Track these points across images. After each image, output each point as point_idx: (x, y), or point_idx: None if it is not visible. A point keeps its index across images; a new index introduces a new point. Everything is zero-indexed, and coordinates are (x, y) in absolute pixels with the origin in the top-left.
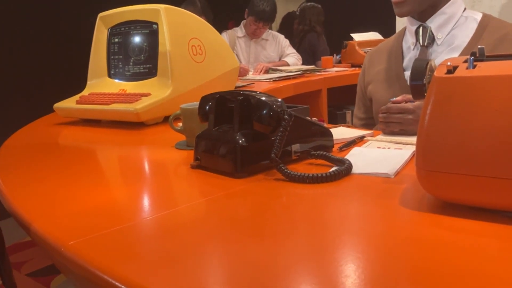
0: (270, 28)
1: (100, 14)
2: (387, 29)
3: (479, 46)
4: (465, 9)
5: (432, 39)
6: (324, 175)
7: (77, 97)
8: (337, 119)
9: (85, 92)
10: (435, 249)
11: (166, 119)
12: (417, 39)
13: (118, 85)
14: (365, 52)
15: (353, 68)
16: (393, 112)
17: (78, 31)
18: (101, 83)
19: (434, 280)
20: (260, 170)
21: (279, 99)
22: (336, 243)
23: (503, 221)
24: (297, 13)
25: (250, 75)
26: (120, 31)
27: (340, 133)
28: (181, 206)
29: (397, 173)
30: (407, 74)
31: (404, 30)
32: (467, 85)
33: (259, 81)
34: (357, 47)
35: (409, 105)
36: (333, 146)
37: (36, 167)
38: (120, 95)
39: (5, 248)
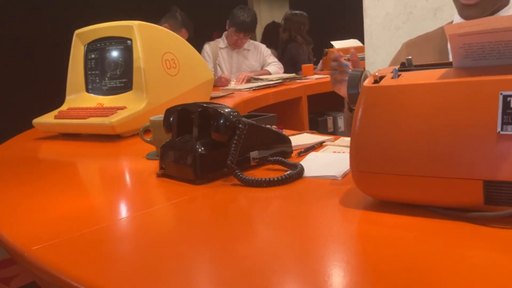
0: (253, 38)
1: (77, 31)
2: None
3: (407, 57)
4: None
5: None
6: (276, 179)
7: (55, 112)
8: (318, 126)
9: (63, 107)
10: (365, 243)
11: None
12: None
13: (95, 100)
14: (345, 59)
15: None
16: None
17: (55, 47)
18: (79, 98)
19: (364, 272)
20: (219, 177)
21: (235, 110)
22: (282, 241)
23: (430, 215)
24: (282, 21)
25: (232, 85)
26: (96, 47)
27: (302, 139)
28: (144, 210)
29: (345, 175)
30: None
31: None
32: (390, 94)
33: (239, 91)
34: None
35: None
36: (292, 152)
37: (13, 180)
38: (97, 109)
39: None
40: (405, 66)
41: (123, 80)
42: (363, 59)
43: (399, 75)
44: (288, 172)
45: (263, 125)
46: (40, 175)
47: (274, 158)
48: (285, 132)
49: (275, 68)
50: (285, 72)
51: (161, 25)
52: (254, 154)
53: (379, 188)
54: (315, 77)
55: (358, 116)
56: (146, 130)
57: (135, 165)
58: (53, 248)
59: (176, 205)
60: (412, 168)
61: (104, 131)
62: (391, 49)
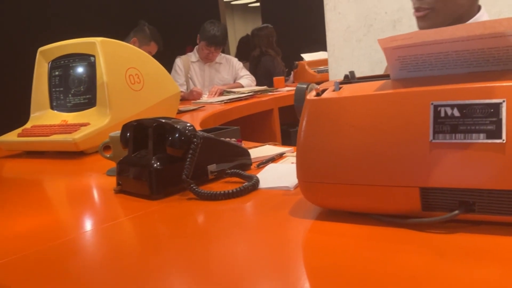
0: (227, 51)
1: (40, 49)
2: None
3: (349, 70)
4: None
5: None
6: (231, 191)
7: (19, 130)
8: (291, 137)
9: (27, 125)
10: (309, 251)
11: None
12: None
13: (60, 117)
14: (314, 71)
15: None
16: None
17: (19, 65)
18: (43, 115)
19: (306, 278)
20: (176, 191)
21: (191, 124)
22: (233, 251)
23: (373, 223)
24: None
25: (205, 98)
26: (60, 64)
27: (264, 151)
28: (99, 226)
29: (297, 186)
30: None
31: None
32: (331, 106)
33: (211, 104)
34: (307, 67)
35: None
36: (251, 164)
37: None
38: (61, 126)
39: None
40: (348, 79)
41: (87, 96)
42: (327, 71)
43: (340, 88)
44: (243, 184)
45: (221, 139)
46: (0, 194)
47: (232, 170)
48: (247, 144)
49: (247, 81)
50: (260, 84)
51: (129, 39)
52: (212, 167)
53: (324, 198)
54: (286, 89)
55: (302, 127)
56: (107, 146)
57: (95, 181)
58: (4, 267)
59: (132, 220)
60: (354, 177)
61: (68, 148)
62: (353, 60)
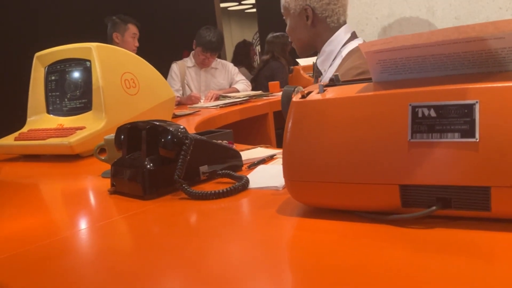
0: (223, 56)
1: (37, 54)
2: None
3: (334, 73)
4: (344, 44)
5: (319, 72)
6: (221, 191)
7: (16, 134)
8: None
9: (24, 129)
10: (294, 247)
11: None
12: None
13: (56, 121)
14: (309, 76)
15: None
16: None
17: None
18: (40, 119)
19: (290, 274)
20: (168, 192)
21: (183, 127)
22: (223, 248)
23: (356, 219)
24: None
25: (200, 103)
26: (56, 69)
27: (255, 153)
28: (94, 224)
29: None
30: None
31: None
32: (315, 107)
33: (207, 108)
34: (302, 72)
35: None
36: (242, 166)
37: None
38: (57, 130)
39: None
40: (333, 82)
41: (83, 100)
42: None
43: (324, 90)
44: (233, 185)
45: (212, 141)
46: None
47: (223, 171)
48: (239, 146)
49: (243, 86)
50: (262, 88)
51: (111, 38)
52: (204, 168)
53: (310, 196)
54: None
55: (288, 128)
56: (102, 149)
57: (90, 183)
58: None
59: (125, 219)
60: (337, 176)
61: (63, 151)
62: None
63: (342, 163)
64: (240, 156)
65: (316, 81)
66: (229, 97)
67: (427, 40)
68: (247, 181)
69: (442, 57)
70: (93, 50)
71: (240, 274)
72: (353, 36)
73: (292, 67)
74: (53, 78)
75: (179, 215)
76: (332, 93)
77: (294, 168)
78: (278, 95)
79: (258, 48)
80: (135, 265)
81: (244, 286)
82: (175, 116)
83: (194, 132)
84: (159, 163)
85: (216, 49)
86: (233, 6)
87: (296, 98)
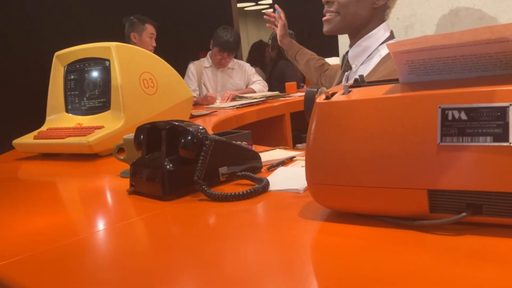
0: (239, 56)
1: (56, 53)
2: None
3: (359, 74)
4: (383, 42)
5: (349, 67)
6: (242, 193)
7: (35, 132)
8: (302, 142)
9: (43, 128)
10: (317, 252)
11: None
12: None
13: (75, 120)
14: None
15: None
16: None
17: (36, 69)
18: (59, 118)
19: (315, 278)
20: (187, 193)
21: (203, 127)
22: (244, 250)
23: (381, 225)
24: (269, 40)
25: (217, 103)
26: (75, 68)
27: (274, 155)
28: (112, 225)
29: (307, 189)
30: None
31: None
32: (340, 109)
33: (223, 109)
34: None
35: None
36: (261, 167)
37: None
38: (76, 129)
39: None
40: (357, 83)
41: (102, 100)
42: None
43: (349, 91)
44: (253, 187)
45: (232, 142)
46: (17, 194)
47: (242, 173)
48: (257, 148)
49: (259, 86)
50: (274, 89)
51: (129, 38)
52: (223, 169)
53: (333, 199)
54: (298, 95)
55: (311, 130)
56: (121, 149)
57: (109, 183)
58: (18, 264)
59: (144, 220)
60: (362, 180)
61: (82, 150)
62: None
63: (368, 166)
64: (259, 158)
65: (343, 76)
66: (246, 97)
67: (458, 40)
68: (267, 183)
69: (473, 58)
70: (113, 50)
71: (261, 278)
72: (392, 35)
73: None
74: (72, 77)
75: (198, 216)
76: (357, 94)
77: (317, 170)
78: (295, 96)
79: None
80: (154, 267)
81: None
82: (192, 117)
83: (211, 133)
84: (179, 163)
85: (233, 49)
86: (250, 6)
87: (320, 99)
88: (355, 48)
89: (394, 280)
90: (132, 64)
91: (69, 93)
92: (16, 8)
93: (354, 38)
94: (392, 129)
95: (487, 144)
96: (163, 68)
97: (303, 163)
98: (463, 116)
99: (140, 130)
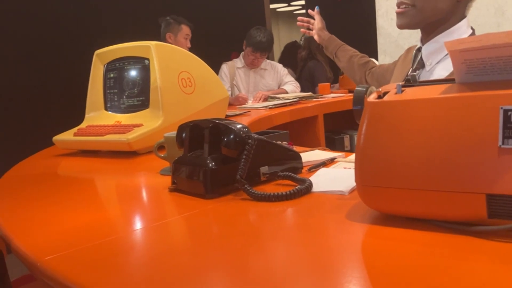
0: (271, 57)
1: (97, 51)
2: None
3: (411, 73)
4: (472, 33)
5: (422, 64)
6: (285, 193)
7: (75, 129)
8: (335, 144)
9: (83, 125)
10: (369, 256)
11: None
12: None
13: (113, 117)
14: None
15: (350, 94)
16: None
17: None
18: (98, 116)
19: (368, 284)
20: (229, 192)
21: (245, 126)
22: (291, 253)
23: (435, 229)
24: (301, 41)
25: (249, 104)
26: (115, 66)
27: (314, 156)
28: (154, 223)
29: (352, 191)
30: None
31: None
32: (393, 109)
33: (256, 109)
34: None
35: None
36: (302, 168)
37: (31, 194)
38: (115, 127)
39: (10, 283)
40: (410, 82)
41: (141, 98)
42: None
43: (402, 91)
44: (296, 187)
45: (274, 141)
46: (57, 190)
47: (284, 173)
48: (297, 148)
49: (292, 87)
50: (303, 89)
51: (165, 38)
52: (264, 169)
53: (384, 202)
54: (331, 96)
55: (362, 130)
56: (161, 147)
57: (149, 180)
58: (65, 258)
59: (186, 218)
60: (416, 182)
61: (121, 147)
62: None
63: (422, 168)
64: (300, 158)
65: (413, 72)
66: (278, 98)
67: None
68: (311, 184)
69: None
70: (152, 49)
71: (309, 281)
72: (473, 33)
73: None
74: (111, 75)
75: (240, 216)
76: (411, 93)
77: (367, 172)
78: (329, 97)
79: None
80: (194, 266)
81: None
82: (226, 116)
83: None
84: (221, 162)
85: (265, 49)
86: (282, 7)
87: (371, 98)
88: (431, 44)
89: (447, 287)
90: (171, 63)
91: (108, 91)
92: (57, 8)
93: (431, 34)
94: (449, 131)
95: None
96: (200, 67)
97: (345, 164)
98: None
99: (182, 128)
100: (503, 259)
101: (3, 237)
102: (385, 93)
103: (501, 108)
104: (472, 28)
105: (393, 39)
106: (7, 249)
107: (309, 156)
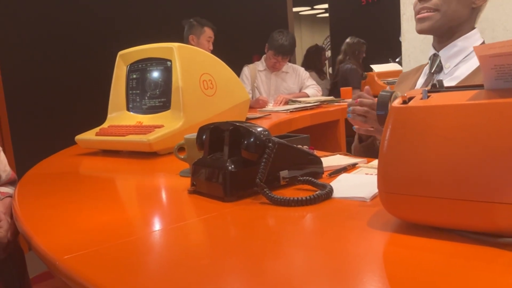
0: (290, 61)
1: (120, 52)
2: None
3: (437, 79)
4: (483, 43)
5: (440, 68)
6: (305, 198)
7: (97, 129)
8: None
9: (105, 125)
10: (391, 264)
11: None
12: (429, 66)
13: (135, 118)
14: (384, 82)
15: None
16: (361, 104)
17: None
18: (120, 116)
19: None
20: (248, 195)
21: (266, 129)
22: (310, 259)
23: (459, 239)
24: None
25: (270, 107)
26: (137, 67)
27: (335, 160)
28: (173, 225)
29: (374, 197)
30: None
31: None
32: (419, 114)
33: (276, 112)
34: (376, 78)
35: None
36: (323, 173)
37: (52, 192)
38: (136, 127)
39: (29, 279)
40: (436, 88)
41: (162, 99)
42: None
43: (428, 96)
44: (317, 192)
45: (294, 145)
46: (78, 189)
47: (304, 178)
48: (317, 153)
49: (313, 91)
50: (338, 94)
51: (187, 39)
52: (284, 173)
53: (407, 210)
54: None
55: (386, 136)
56: (181, 148)
57: (169, 181)
58: (83, 258)
59: (205, 220)
60: (441, 191)
61: (142, 148)
62: None
63: (448, 177)
64: (321, 163)
65: (431, 77)
66: (299, 101)
67: None
68: (331, 190)
69: None
70: (175, 50)
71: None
72: (484, 42)
73: (365, 73)
74: (134, 76)
75: (259, 220)
76: (438, 99)
77: (391, 179)
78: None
79: (328, 53)
80: (212, 268)
81: None
82: (247, 119)
83: None
84: (241, 165)
85: (287, 52)
86: (305, 11)
87: (396, 103)
88: (449, 48)
89: None
90: (193, 65)
91: (130, 92)
92: (84, 10)
93: (448, 39)
94: (476, 138)
95: None
96: (222, 70)
97: (367, 170)
98: None
99: (202, 130)
100: None
101: (24, 235)
102: (410, 99)
103: None
104: (482, 38)
105: (417, 43)
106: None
107: (330, 161)
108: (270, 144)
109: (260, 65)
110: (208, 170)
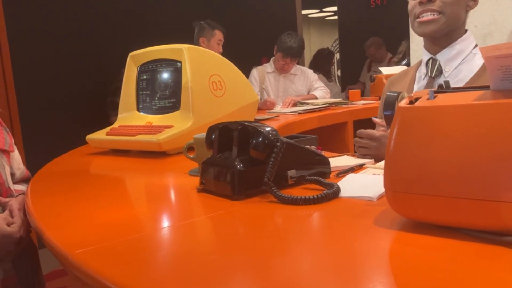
0: (299, 63)
1: (131, 54)
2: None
3: (444, 80)
4: (476, 46)
5: (440, 72)
6: (312, 197)
7: (107, 129)
8: None
9: (115, 125)
10: (397, 262)
11: None
12: (427, 70)
13: (145, 118)
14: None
15: None
16: (361, 136)
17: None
18: (130, 116)
19: None
20: (256, 194)
21: (274, 129)
22: (316, 257)
23: (464, 238)
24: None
25: (278, 108)
26: (148, 68)
27: (343, 161)
28: (182, 222)
29: (380, 197)
30: None
31: (421, 61)
32: (425, 114)
33: (285, 114)
34: (384, 81)
35: (375, 133)
36: (330, 173)
37: (64, 190)
38: (146, 127)
39: (43, 275)
40: (443, 88)
41: (172, 100)
42: None
43: (435, 97)
44: (324, 191)
45: (302, 145)
46: (89, 186)
47: (311, 177)
48: (325, 153)
49: (321, 93)
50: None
51: (198, 41)
52: (292, 172)
53: (413, 209)
54: (361, 103)
55: (392, 136)
56: (190, 148)
57: (178, 180)
58: (95, 252)
59: (213, 218)
60: (447, 190)
61: (151, 148)
62: None
63: (454, 176)
64: (328, 163)
65: (432, 82)
66: (307, 103)
67: None
68: (338, 189)
69: None
70: (185, 52)
71: (333, 285)
72: (476, 45)
73: (374, 75)
74: (144, 77)
75: (266, 218)
76: (444, 99)
77: (397, 178)
78: (359, 103)
79: (337, 56)
80: (219, 265)
81: None
82: (255, 120)
83: None
84: (249, 164)
85: (296, 54)
86: (314, 13)
87: (403, 103)
88: (448, 51)
89: None
90: (203, 66)
91: (141, 92)
92: (95, 12)
93: (447, 41)
94: (482, 138)
95: None
96: (231, 71)
97: (374, 170)
98: None
99: (211, 129)
100: None
101: (37, 230)
102: (417, 99)
103: None
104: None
105: None
106: (39, 244)
107: (337, 161)
108: (278, 144)
109: (268, 67)
110: (216, 169)
